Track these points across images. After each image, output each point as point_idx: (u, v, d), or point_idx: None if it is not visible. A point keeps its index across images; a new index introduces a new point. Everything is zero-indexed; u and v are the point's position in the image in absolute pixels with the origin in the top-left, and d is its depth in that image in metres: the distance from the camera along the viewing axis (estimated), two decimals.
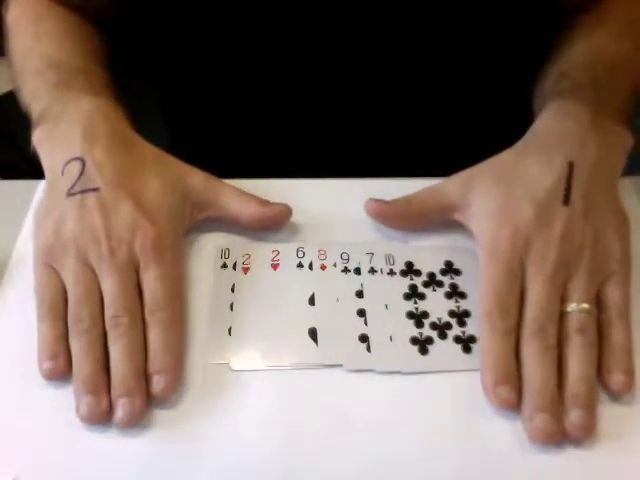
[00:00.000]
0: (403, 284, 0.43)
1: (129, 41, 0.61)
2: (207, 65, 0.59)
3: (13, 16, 0.56)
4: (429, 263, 0.44)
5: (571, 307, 0.39)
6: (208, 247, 0.45)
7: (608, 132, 0.45)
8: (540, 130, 0.46)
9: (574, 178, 0.42)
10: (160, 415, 0.37)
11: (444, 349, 0.40)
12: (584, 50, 0.51)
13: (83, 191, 0.42)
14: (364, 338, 0.40)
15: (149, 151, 0.46)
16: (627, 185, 0.48)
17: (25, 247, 0.44)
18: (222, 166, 0.47)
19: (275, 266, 0.44)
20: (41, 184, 0.47)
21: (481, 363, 0.38)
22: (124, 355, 0.37)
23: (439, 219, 0.46)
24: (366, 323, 0.41)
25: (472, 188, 0.44)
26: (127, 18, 0.57)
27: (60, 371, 0.38)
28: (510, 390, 0.37)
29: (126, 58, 0.62)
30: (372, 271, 0.44)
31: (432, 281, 0.43)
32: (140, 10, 0.55)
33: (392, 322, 0.41)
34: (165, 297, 0.39)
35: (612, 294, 0.40)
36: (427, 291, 0.43)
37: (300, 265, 0.44)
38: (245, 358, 0.40)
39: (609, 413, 0.37)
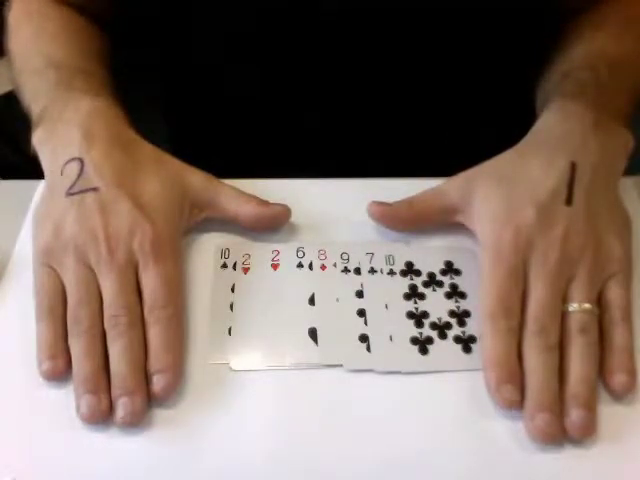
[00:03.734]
0: (403, 284, 0.43)
1: (130, 41, 0.61)
2: (209, 65, 0.59)
3: (14, 15, 0.56)
4: (429, 263, 0.44)
5: (573, 307, 0.39)
6: (208, 247, 0.45)
7: (610, 132, 0.45)
8: (542, 130, 0.46)
9: (576, 179, 0.42)
10: (160, 415, 0.37)
11: (444, 349, 0.40)
12: (585, 51, 0.51)
13: (82, 191, 0.42)
14: (364, 338, 0.40)
15: (148, 151, 0.46)
16: (628, 185, 0.48)
17: (25, 247, 0.44)
18: (222, 166, 0.47)
19: (275, 266, 0.44)
20: (41, 184, 0.47)
21: (484, 363, 0.38)
22: (124, 354, 0.37)
23: (441, 221, 0.45)
24: (366, 323, 0.41)
25: (473, 189, 0.44)
26: (129, 18, 0.57)
27: (59, 371, 0.38)
28: (513, 389, 0.37)
29: (127, 58, 0.62)
30: (372, 271, 0.44)
31: (432, 281, 0.43)
32: (142, 10, 0.55)
33: (392, 322, 0.41)
34: (164, 296, 0.39)
35: (614, 294, 0.40)
36: (427, 291, 0.43)
37: (300, 265, 0.44)
38: (245, 358, 0.40)
39: (609, 413, 0.37)
